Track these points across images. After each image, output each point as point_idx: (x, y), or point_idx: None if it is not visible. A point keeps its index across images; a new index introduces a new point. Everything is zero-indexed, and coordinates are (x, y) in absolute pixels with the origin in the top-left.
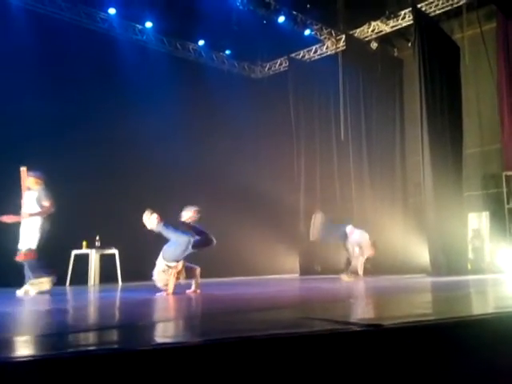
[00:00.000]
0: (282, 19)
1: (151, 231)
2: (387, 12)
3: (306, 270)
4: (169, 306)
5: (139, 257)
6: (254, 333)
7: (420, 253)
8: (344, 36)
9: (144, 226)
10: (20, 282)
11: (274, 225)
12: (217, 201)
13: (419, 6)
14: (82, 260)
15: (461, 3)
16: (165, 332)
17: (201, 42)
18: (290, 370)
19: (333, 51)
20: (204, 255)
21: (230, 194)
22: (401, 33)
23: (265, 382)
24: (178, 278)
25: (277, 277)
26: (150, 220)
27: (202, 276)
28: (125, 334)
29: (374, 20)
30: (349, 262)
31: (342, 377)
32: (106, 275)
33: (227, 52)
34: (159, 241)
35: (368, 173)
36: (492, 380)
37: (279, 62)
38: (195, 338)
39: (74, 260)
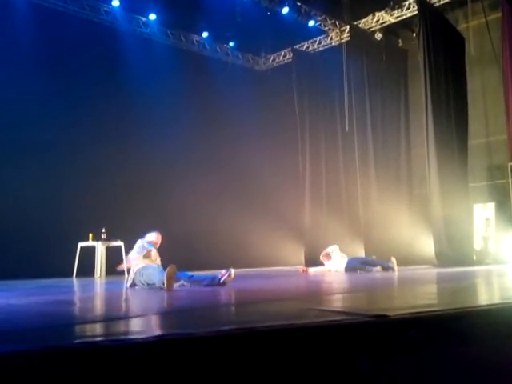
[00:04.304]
0: (285, 10)
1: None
2: (391, 2)
3: (311, 262)
4: (172, 299)
5: None
6: (258, 324)
7: (425, 244)
8: (348, 27)
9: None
10: (19, 272)
11: (279, 216)
12: (221, 193)
13: None
14: (89, 252)
15: None
16: (169, 323)
17: (205, 34)
18: (293, 362)
19: (337, 42)
20: (208, 247)
21: (235, 186)
22: (405, 23)
23: (268, 374)
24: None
25: (282, 268)
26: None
27: (205, 268)
28: (130, 325)
29: (379, 11)
30: None
31: (348, 367)
32: (113, 267)
33: (231, 44)
34: (163, 234)
35: (373, 164)
36: (497, 370)
37: (283, 53)
38: (198, 329)
39: (80, 252)
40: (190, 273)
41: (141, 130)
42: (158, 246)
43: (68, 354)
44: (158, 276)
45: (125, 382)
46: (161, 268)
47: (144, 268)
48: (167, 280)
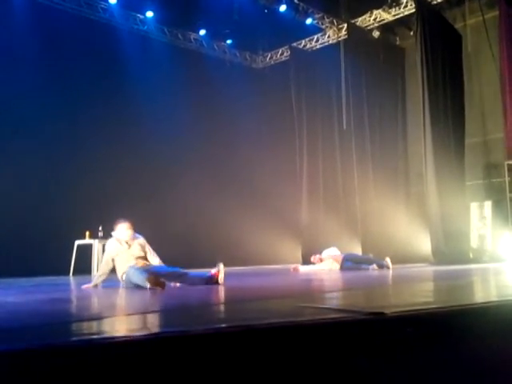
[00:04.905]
0: (283, 8)
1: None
2: (389, 0)
3: (308, 260)
4: (168, 296)
5: None
6: (255, 322)
7: (422, 242)
8: (346, 25)
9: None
10: (15, 270)
11: (276, 214)
12: (218, 191)
13: None
14: (85, 250)
15: None
16: (165, 321)
17: (202, 32)
18: (290, 360)
19: (335, 40)
20: (205, 245)
21: (232, 183)
22: (403, 21)
23: (265, 372)
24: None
25: (279, 267)
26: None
27: (204, 266)
28: (126, 323)
29: (376, 8)
30: None
31: (345, 365)
32: None
33: (228, 41)
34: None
35: (370, 161)
36: (495, 368)
37: (281, 51)
38: (196, 326)
39: (77, 250)
40: (184, 270)
41: (138, 127)
42: (131, 233)
43: (64, 352)
44: (139, 277)
45: (121, 379)
46: (139, 269)
47: (128, 271)
48: (156, 286)
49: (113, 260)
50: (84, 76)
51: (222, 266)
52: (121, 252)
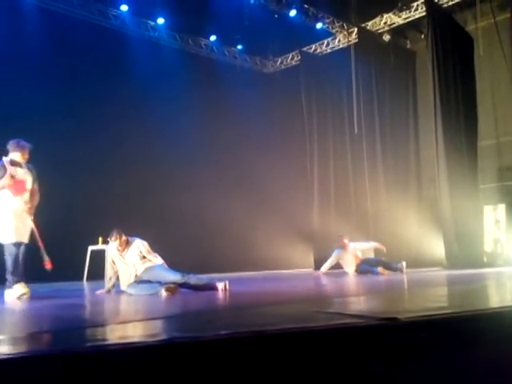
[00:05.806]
0: (293, 13)
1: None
2: (399, 4)
3: (320, 265)
4: (180, 301)
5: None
6: (268, 327)
7: (435, 246)
8: (356, 29)
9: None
10: (29, 276)
11: (287, 219)
12: (230, 196)
13: None
14: (99, 255)
15: None
16: (179, 326)
17: (213, 38)
18: (303, 365)
19: (345, 44)
20: (216, 250)
21: (243, 189)
22: (414, 25)
23: (278, 377)
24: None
25: (291, 271)
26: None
27: (216, 271)
28: (140, 328)
29: (387, 12)
30: None
31: (358, 371)
32: None
33: (239, 47)
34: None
35: (382, 166)
36: (510, 373)
37: (291, 56)
38: (208, 332)
39: (90, 256)
40: (188, 274)
41: (150, 133)
42: (123, 246)
43: (79, 358)
44: (149, 290)
45: None
46: (144, 284)
47: (131, 290)
48: (171, 293)
49: (114, 263)
50: (95, 82)
51: (227, 283)
52: (118, 259)
